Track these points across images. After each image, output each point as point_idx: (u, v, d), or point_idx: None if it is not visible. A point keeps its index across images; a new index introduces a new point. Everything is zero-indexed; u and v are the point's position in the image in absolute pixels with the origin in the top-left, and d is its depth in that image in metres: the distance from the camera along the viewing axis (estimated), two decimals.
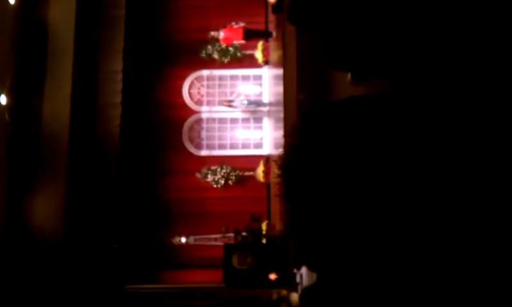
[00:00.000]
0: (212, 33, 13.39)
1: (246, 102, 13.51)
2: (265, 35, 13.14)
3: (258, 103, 13.75)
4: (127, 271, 11.92)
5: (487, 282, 0.82)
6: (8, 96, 10.61)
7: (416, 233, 0.80)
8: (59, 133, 11.10)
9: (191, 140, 13.98)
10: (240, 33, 12.95)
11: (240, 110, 13.74)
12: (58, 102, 11.16)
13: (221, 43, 13.48)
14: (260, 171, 13.14)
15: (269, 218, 12.18)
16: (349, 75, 2.20)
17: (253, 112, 13.81)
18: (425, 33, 1.44)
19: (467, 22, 1.30)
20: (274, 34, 12.27)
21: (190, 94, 14.13)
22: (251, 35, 12.99)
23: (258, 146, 13.86)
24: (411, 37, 1.50)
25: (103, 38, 12.58)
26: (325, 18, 1.99)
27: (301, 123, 0.95)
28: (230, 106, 13.59)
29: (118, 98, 12.58)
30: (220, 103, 13.94)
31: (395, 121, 0.85)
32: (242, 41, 13.30)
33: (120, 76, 12.63)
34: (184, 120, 13.99)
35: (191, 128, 14.05)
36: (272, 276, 9.76)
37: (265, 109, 13.66)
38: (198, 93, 14.17)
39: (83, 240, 11.18)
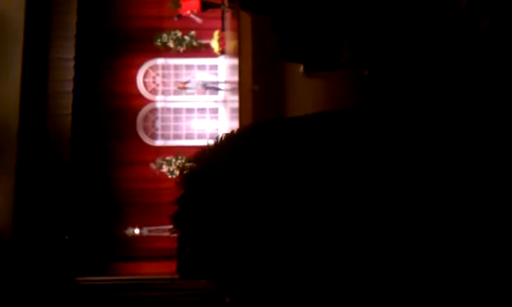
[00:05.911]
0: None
1: (201, 84, 13.29)
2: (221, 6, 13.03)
3: (215, 86, 13.60)
4: (78, 263, 11.75)
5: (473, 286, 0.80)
6: None
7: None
8: (8, 123, 10.81)
9: (146, 130, 13.81)
10: (197, 4, 12.80)
11: (195, 93, 13.55)
12: (7, 90, 10.86)
13: (181, 13, 13.30)
14: None
15: None
16: (302, 67, 2.17)
17: (210, 91, 13.62)
18: (376, 26, 1.41)
19: (418, 16, 1.29)
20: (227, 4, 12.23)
21: (144, 83, 13.94)
22: (207, 6, 12.84)
23: (214, 136, 13.77)
24: (363, 30, 1.47)
25: (54, 24, 12.28)
26: (277, 10, 1.95)
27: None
28: (185, 88, 13.40)
29: (70, 87, 12.31)
30: (175, 85, 13.76)
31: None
32: (199, 20, 13.19)
33: (71, 64, 12.36)
34: (138, 110, 13.80)
35: (146, 118, 13.87)
36: None
37: (223, 88, 13.49)
38: (153, 82, 14.00)
39: (33, 232, 10.97)
